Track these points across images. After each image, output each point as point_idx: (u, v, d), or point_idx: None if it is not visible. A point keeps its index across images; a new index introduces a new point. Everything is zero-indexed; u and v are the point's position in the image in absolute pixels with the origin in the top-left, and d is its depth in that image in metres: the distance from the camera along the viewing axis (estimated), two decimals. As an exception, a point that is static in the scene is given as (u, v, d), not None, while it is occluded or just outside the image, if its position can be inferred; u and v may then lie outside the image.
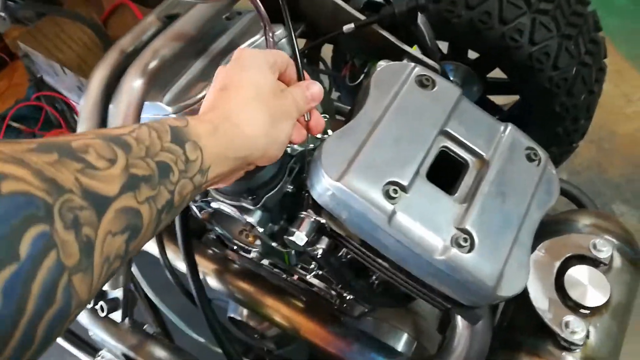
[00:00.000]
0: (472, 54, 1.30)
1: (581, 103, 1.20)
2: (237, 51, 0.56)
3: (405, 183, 0.58)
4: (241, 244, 0.75)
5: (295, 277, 0.87)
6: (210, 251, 0.93)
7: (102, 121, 0.64)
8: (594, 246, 0.76)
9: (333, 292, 0.86)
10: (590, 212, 0.88)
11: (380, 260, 0.62)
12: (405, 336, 0.84)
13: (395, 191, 0.57)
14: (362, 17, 0.75)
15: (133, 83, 0.61)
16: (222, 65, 0.56)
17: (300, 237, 0.61)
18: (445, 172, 0.62)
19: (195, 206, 0.71)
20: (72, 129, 1.50)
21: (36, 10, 1.57)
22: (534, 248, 0.66)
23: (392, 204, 0.56)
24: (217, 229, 0.79)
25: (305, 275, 0.86)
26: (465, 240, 0.56)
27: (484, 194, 0.60)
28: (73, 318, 0.33)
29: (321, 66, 1.28)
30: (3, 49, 1.75)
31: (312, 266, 0.84)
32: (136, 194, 0.38)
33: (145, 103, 0.63)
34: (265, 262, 0.84)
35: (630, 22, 2.22)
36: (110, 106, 0.65)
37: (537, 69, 1.15)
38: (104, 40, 1.30)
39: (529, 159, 0.64)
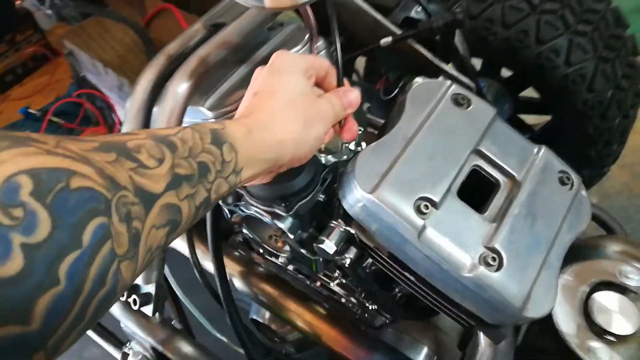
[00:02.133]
0: (505, 72, 1.30)
1: (615, 127, 1.19)
2: (274, 55, 0.58)
3: (436, 199, 0.58)
4: (269, 249, 0.77)
5: (319, 284, 0.88)
6: (236, 253, 0.95)
7: (146, 122, 0.67)
8: (623, 273, 0.76)
9: (355, 301, 0.87)
10: (620, 238, 0.87)
11: (406, 274, 0.63)
12: (425, 350, 0.84)
13: (426, 207, 0.58)
14: (399, 32, 0.77)
15: (178, 87, 0.63)
16: (260, 67, 0.58)
17: (329, 245, 0.62)
18: (476, 191, 0.63)
19: (227, 209, 0.73)
20: (109, 126, 1.55)
21: (82, 10, 1.62)
22: (561, 272, 0.66)
23: (423, 219, 0.57)
24: (246, 232, 0.81)
25: (329, 283, 0.87)
26: (493, 259, 0.57)
27: (514, 215, 0.60)
28: (116, 300, 0.37)
29: (354, 78, 1.30)
30: (46, 46, 1.81)
31: (336, 274, 0.85)
32: (178, 191, 0.42)
33: (188, 107, 0.65)
34: (290, 267, 0.86)
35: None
36: (155, 108, 0.68)
37: (572, 90, 1.15)
38: (147, 42, 1.34)
39: (562, 182, 0.64)
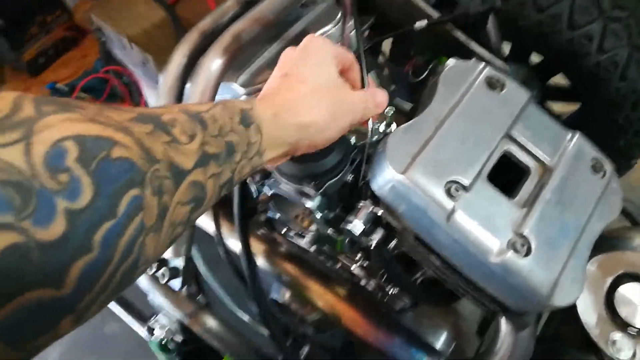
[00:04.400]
0: (534, 57, 1.27)
1: (646, 118, 1.16)
2: (306, 39, 0.57)
3: (466, 183, 0.58)
4: (295, 228, 0.78)
5: (339, 265, 0.89)
6: (259, 232, 0.96)
7: (179, 97, 0.67)
8: None
9: (375, 285, 0.87)
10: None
11: (432, 257, 0.63)
12: (444, 335, 0.85)
13: (456, 189, 0.58)
14: (435, 15, 0.76)
15: (212, 63, 0.63)
16: (291, 47, 0.58)
17: (357, 225, 0.62)
18: (506, 176, 0.63)
19: (255, 187, 0.73)
20: (135, 102, 1.56)
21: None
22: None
23: (453, 202, 0.57)
24: (271, 211, 0.82)
25: (350, 266, 0.87)
26: (522, 245, 0.56)
27: (544, 201, 0.60)
28: (139, 273, 0.37)
29: (380, 59, 1.29)
30: (72, 27, 1.82)
31: (358, 257, 0.85)
32: (205, 169, 0.42)
33: (220, 83, 0.65)
34: (312, 248, 0.86)
35: None
36: (188, 84, 0.68)
37: (604, 78, 1.12)
38: (175, 20, 1.34)
39: (594, 170, 0.63)
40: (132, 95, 1.53)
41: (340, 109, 0.55)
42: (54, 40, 1.82)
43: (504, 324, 0.72)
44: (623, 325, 0.72)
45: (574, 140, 0.64)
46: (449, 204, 0.57)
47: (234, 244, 0.87)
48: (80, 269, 0.30)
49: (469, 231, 0.57)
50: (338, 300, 0.84)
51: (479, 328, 0.90)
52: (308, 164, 0.62)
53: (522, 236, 0.57)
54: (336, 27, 0.74)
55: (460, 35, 0.74)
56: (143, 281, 0.71)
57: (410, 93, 1.02)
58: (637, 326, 0.71)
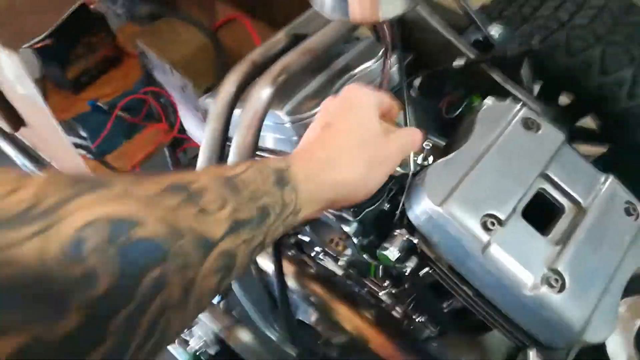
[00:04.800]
0: (563, 98, 1.30)
1: (676, 163, 1.17)
2: (346, 89, 0.59)
3: (502, 217, 0.60)
4: (329, 252, 0.80)
5: (366, 290, 0.91)
6: (289, 253, 0.98)
7: (227, 122, 0.71)
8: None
9: (402, 312, 0.89)
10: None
11: (464, 287, 0.65)
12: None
13: (492, 223, 0.60)
14: (472, 54, 0.79)
15: (262, 92, 0.67)
16: (331, 96, 0.61)
17: (393, 252, 0.65)
18: (539, 214, 0.65)
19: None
20: (170, 123, 1.61)
21: (154, 11, 1.71)
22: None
23: (489, 235, 0.59)
24: (304, 234, 0.84)
25: (378, 292, 0.89)
26: (556, 280, 0.58)
27: (578, 240, 0.62)
28: (164, 347, 0.37)
29: (412, 93, 1.32)
30: (116, 47, 1.90)
31: (386, 284, 0.87)
32: (235, 237, 0.41)
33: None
34: (341, 272, 0.88)
35: None
36: (236, 110, 0.72)
37: (633, 123, 1.14)
38: (217, 47, 1.40)
39: (628, 212, 0.65)
40: (167, 116, 1.59)
41: (379, 161, 0.55)
42: (97, 60, 1.89)
43: (532, 359, 0.73)
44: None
45: (608, 183, 0.66)
46: (484, 237, 0.59)
47: (265, 264, 0.90)
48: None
49: (503, 264, 0.59)
50: (366, 324, 0.86)
51: (504, 363, 0.90)
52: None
53: (556, 272, 0.59)
54: (377, 63, 0.78)
55: (496, 75, 0.78)
56: None
57: (442, 128, 1.05)
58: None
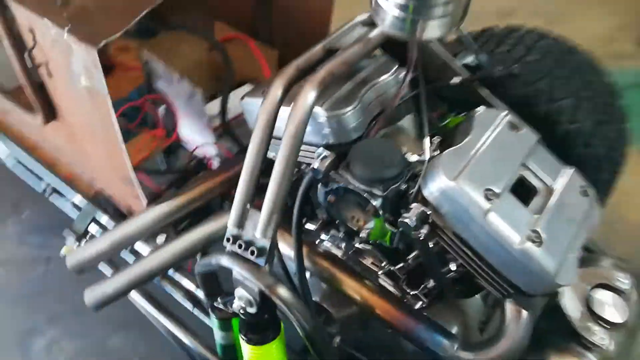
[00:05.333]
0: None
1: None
2: None
3: (498, 191, 0.80)
4: (351, 226, 0.97)
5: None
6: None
7: (275, 117, 0.88)
8: (618, 278, 0.98)
9: (398, 287, 1.06)
10: (612, 256, 1.10)
11: (465, 249, 0.84)
12: (455, 328, 1.03)
13: (491, 196, 0.80)
14: (465, 74, 1.01)
15: (310, 92, 0.85)
16: None
17: (411, 220, 0.83)
18: (521, 192, 0.85)
19: (325, 191, 0.93)
20: (168, 130, 1.73)
21: (151, 28, 1.85)
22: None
23: (489, 204, 0.79)
24: (334, 211, 0.99)
25: (377, 272, 1.06)
26: (537, 238, 0.78)
27: (549, 211, 0.83)
28: None
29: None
30: (106, 61, 2.01)
31: (384, 264, 1.04)
32: None
33: (313, 107, 0.87)
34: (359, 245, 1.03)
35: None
36: (283, 107, 0.89)
37: (574, 143, 1.38)
38: (226, 56, 1.54)
39: (583, 194, 0.87)
40: (165, 124, 1.70)
41: None
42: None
43: (509, 311, 0.92)
44: (599, 320, 0.94)
45: (570, 172, 0.88)
46: (486, 205, 0.79)
47: (284, 247, 1.05)
48: None
49: (498, 226, 0.79)
50: (372, 294, 1.02)
51: (480, 325, 1.09)
52: (382, 169, 0.83)
53: (536, 232, 0.79)
54: (392, 76, 0.98)
55: (484, 93, 0.99)
56: (225, 260, 0.88)
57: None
58: (609, 321, 0.93)
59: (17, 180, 1.86)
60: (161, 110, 1.73)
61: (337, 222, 1.01)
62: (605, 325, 0.94)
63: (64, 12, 0.93)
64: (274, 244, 0.88)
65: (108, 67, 2.02)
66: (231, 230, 0.90)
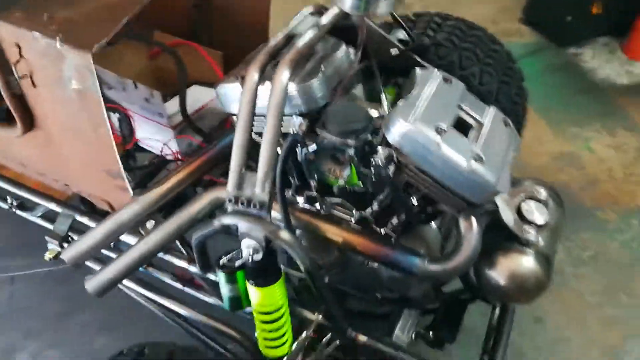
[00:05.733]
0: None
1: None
2: None
3: (444, 127, 1.03)
4: (330, 178, 1.15)
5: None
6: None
7: (255, 96, 1.05)
8: (538, 191, 1.25)
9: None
10: (530, 178, 1.37)
11: (426, 177, 1.06)
12: (422, 251, 1.25)
13: (440, 131, 1.02)
14: (400, 46, 1.23)
15: (284, 72, 1.03)
16: None
17: (381, 160, 1.03)
18: (459, 128, 1.09)
19: (305, 153, 1.11)
20: (124, 135, 1.82)
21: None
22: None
23: (439, 136, 1.01)
24: (313, 168, 1.16)
25: (350, 218, 1.25)
26: (479, 157, 1.02)
27: (484, 138, 1.07)
28: None
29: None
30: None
31: (354, 212, 1.24)
32: None
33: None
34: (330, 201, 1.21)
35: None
36: (260, 87, 1.06)
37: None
38: (178, 58, 1.66)
39: (505, 124, 1.13)
40: (122, 129, 1.79)
41: None
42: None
43: (463, 226, 1.15)
44: (529, 223, 1.20)
45: (491, 109, 1.14)
46: (437, 138, 1.01)
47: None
48: None
49: (449, 153, 1.02)
50: (350, 234, 1.21)
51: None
52: (352, 123, 1.03)
53: (477, 154, 1.03)
54: (343, 53, 1.18)
55: (419, 59, 1.23)
56: (229, 219, 1.03)
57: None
58: (536, 222, 1.19)
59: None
60: (114, 118, 1.81)
61: (311, 183, 1.19)
62: (534, 227, 1.21)
63: (51, 25, 1.04)
64: (272, 196, 1.05)
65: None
66: (232, 192, 1.06)
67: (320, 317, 1.25)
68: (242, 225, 1.05)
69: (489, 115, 1.13)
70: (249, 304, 1.18)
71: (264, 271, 1.10)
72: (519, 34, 3.57)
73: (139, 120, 1.78)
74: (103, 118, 1.12)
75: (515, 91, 1.76)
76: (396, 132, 1.03)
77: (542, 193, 1.26)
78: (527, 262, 1.19)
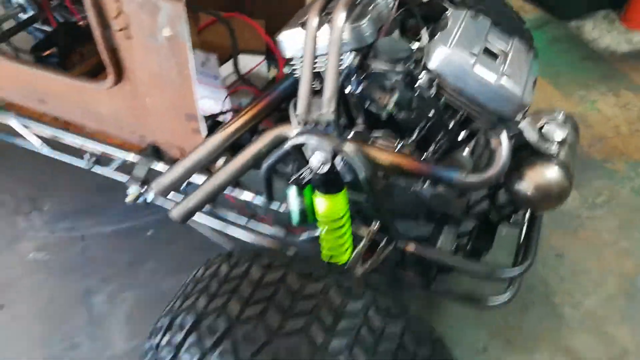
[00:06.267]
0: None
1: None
2: None
3: (476, 52, 1.24)
4: (380, 104, 1.36)
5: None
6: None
7: (315, 40, 1.26)
8: (555, 114, 1.46)
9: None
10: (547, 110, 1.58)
11: (462, 98, 1.27)
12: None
13: (473, 55, 1.23)
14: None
15: (341, 13, 1.24)
16: None
17: (424, 82, 1.25)
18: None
19: (358, 81, 1.32)
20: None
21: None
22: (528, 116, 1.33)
23: (473, 59, 1.22)
24: (366, 95, 1.37)
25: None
26: (506, 75, 1.23)
27: (509, 62, 1.28)
28: None
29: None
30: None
31: (397, 142, 1.45)
32: None
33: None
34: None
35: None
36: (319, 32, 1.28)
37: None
38: (230, 27, 1.87)
39: (527, 50, 1.34)
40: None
41: None
42: (90, 66, 2.28)
43: (495, 142, 1.36)
44: (550, 140, 1.40)
45: (515, 40, 1.35)
46: (472, 60, 1.22)
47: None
48: None
49: (481, 72, 1.23)
50: (397, 158, 1.42)
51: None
52: (399, 51, 1.24)
53: (504, 72, 1.24)
54: (383, 1, 1.39)
55: (445, 4, 1.44)
56: (301, 138, 1.24)
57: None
58: (557, 140, 1.40)
59: (27, 179, 2.09)
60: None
61: (359, 118, 1.40)
62: (554, 143, 1.42)
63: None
64: (337, 116, 1.26)
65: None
66: (301, 116, 1.27)
67: (375, 227, 1.45)
68: (313, 141, 1.26)
69: (512, 45, 1.34)
70: (315, 219, 1.39)
71: (330, 182, 1.31)
72: (522, 11, 3.78)
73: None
74: (188, 61, 1.34)
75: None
76: (437, 57, 1.24)
77: (560, 115, 1.47)
78: (551, 172, 1.39)
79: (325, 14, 1.33)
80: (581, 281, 2.10)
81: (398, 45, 1.29)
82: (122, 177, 1.81)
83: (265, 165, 1.41)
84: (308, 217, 1.41)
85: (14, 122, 1.87)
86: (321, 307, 1.10)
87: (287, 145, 1.31)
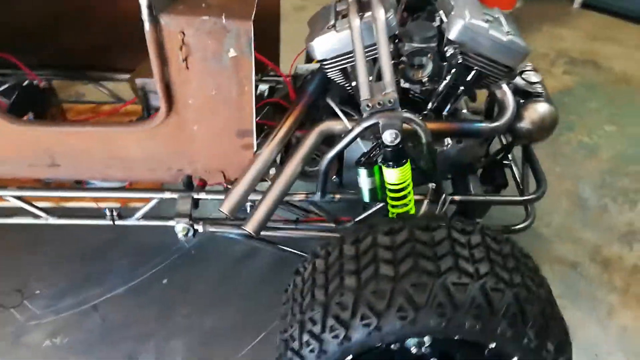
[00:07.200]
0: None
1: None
2: None
3: (490, 19, 1.55)
4: (415, 77, 1.58)
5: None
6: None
7: (361, 32, 1.45)
8: (526, 66, 1.84)
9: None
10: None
11: (482, 58, 1.56)
12: (473, 127, 1.75)
13: (486, 21, 1.53)
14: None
15: (380, 10, 1.44)
16: None
17: (454, 50, 1.51)
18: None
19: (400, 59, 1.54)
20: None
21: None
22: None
23: (487, 25, 1.53)
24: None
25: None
26: (511, 33, 1.55)
27: (504, 25, 1.61)
28: None
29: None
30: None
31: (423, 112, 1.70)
32: None
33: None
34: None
35: None
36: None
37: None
38: None
39: (509, 17, 1.69)
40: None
41: None
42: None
43: (500, 93, 1.68)
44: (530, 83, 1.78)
45: (497, 10, 1.69)
46: (486, 25, 1.52)
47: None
48: None
49: (496, 35, 1.53)
50: (437, 123, 1.66)
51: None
52: (427, 31, 1.49)
53: (509, 31, 1.56)
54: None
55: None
56: (369, 121, 1.39)
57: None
58: (533, 80, 1.78)
59: (12, 269, 1.98)
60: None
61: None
62: (535, 84, 1.79)
63: (209, 9, 1.33)
64: (399, 93, 1.46)
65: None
66: (366, 101, 1.44)
67: (433, 186, 1.67)
68: (383, 119, 1.43)
69: (498, 14, 1.68)
70: (384, 195, 1.55)
71: (398, 155, 1.49)
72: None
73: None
74: (251, 78, 1.42)
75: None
76: (457, 28, 1.52)
77: (528, 66, 1.86)
78: (542, 107, 1.76)
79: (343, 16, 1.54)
80: (543, 207, 2.55)
81: (424, 25, 1.54)
82: (150, 223, 1.76)
83: (325, 158, 1.54)
84: (378, 193, 1.57)
85: (13, 200, 1.70)
86: (454, 245, 1.28)
87: (358, 130, 1.46)
